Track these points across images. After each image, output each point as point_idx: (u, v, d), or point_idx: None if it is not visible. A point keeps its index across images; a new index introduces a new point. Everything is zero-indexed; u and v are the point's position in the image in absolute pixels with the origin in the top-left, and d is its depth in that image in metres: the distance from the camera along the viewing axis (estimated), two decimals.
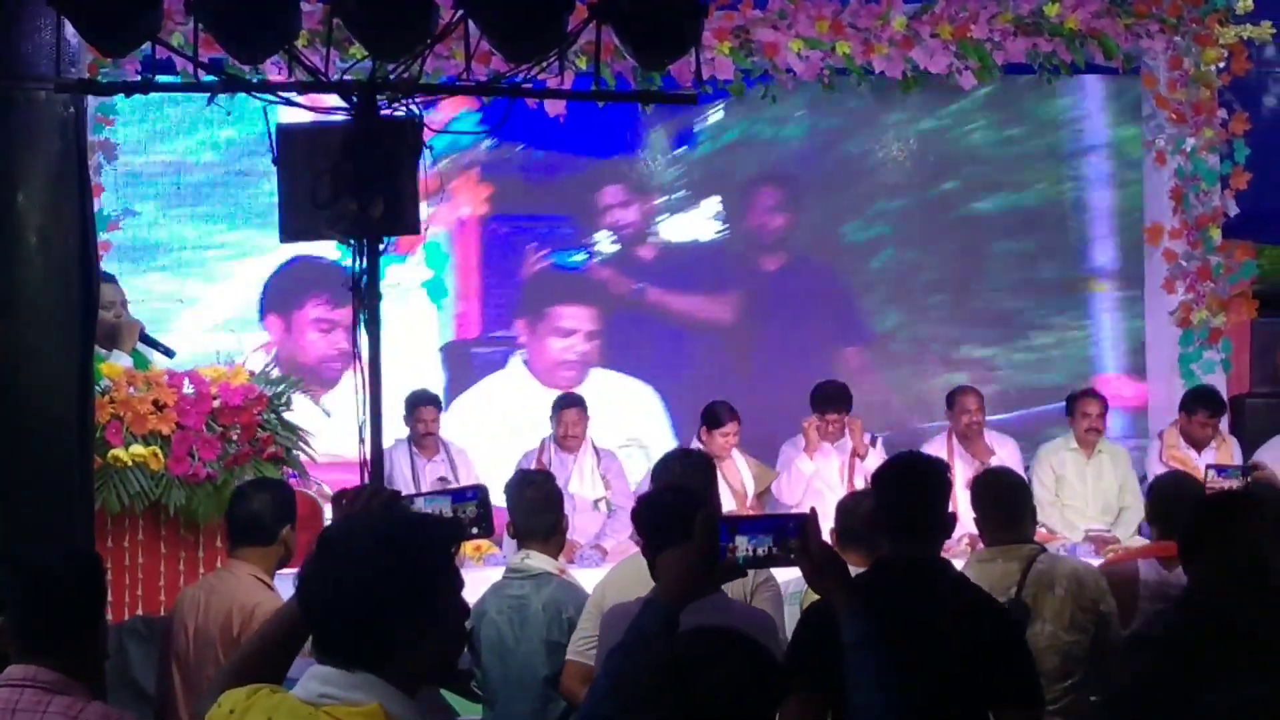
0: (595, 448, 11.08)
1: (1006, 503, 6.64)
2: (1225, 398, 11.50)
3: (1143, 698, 5.22)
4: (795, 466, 10.90)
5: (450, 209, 12.86)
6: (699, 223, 13.13)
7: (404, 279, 13.10)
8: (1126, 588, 6.86)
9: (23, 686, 4.38)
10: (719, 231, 13.14)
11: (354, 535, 3.20)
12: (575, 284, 13.26)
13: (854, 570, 6.53)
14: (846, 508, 7.22)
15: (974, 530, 10.28)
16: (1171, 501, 7.08)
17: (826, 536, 6.85)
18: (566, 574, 6.98)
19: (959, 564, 7.05)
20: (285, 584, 5.19)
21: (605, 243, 13.21)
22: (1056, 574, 6.45)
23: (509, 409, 12.86)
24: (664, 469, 6.57)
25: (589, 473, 10.86)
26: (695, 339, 13.36)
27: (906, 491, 5.10)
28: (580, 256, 13.30)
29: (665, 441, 12.48)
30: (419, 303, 13.46)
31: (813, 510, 4.41)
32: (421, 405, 10.86)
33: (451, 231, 13.18)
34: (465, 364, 13.37)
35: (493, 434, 12.49)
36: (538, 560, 6.63)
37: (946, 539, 5.29)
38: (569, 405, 11.01)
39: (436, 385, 12.74)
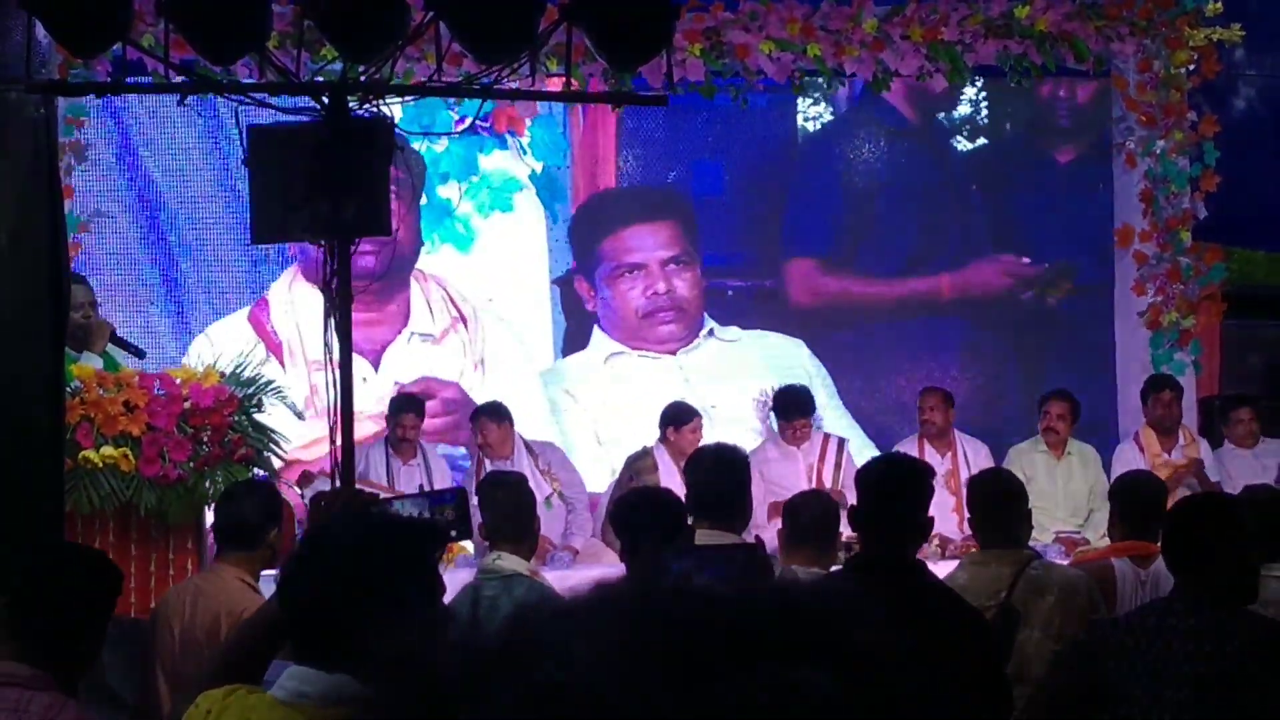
0: (527, 445, 10.96)
1: (1001, 506, 6.63)
2: (1195, 399, 11.57)
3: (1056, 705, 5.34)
4: (760, 472, 10.83)
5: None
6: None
7: (496, 171, 12.06)
8: (1104, 585, 6.88)
9: (2, 685, 4.35)
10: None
11: (335, 537, 3.21)
12: None
13: (802, 570, 6.64)
14: (794, 508, 7.25)
15: (944, 531, 10.40)
16: (1135, 501, 7.18)
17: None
18: (539, 575, 6.98)
19: (939, 565, 7.11)
20: (268, 584, 5.19)
21: None
22: (1048, 582, 6.42)
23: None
24: (695, 466, 6.59)
25: (529, 474, 10.69)
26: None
27: (886, 493, 5.12)
28: None
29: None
30: (524, 210, 12.19)
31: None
32: (403, 411, 10.71)
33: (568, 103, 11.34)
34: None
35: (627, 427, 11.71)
36: (509, 561, 6.61)
37: (923, 542, 5.33)
38: (481, 415, 10.80)
39: (543, 335, 12.06)
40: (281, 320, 11.62)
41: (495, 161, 11.88)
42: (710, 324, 12.36)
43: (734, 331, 12.38)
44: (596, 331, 12.33)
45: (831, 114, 12.68)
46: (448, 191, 11.93)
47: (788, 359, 12.36)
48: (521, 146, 11.95)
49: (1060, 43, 11.70)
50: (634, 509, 5.74)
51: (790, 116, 12.58)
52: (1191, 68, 11.92)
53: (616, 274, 12.28)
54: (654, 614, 0.91)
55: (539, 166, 12.06)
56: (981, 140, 12.93)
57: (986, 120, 12.95)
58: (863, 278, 12.67)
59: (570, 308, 12.31)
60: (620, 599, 0.93)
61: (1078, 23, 11.71)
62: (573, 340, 12.31)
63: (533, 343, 12.23)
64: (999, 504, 6.68)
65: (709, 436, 10.35)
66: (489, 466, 10.48)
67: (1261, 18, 11.92)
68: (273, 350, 11.54)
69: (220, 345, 11.03)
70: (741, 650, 0.88)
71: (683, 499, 6.34)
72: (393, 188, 11.52)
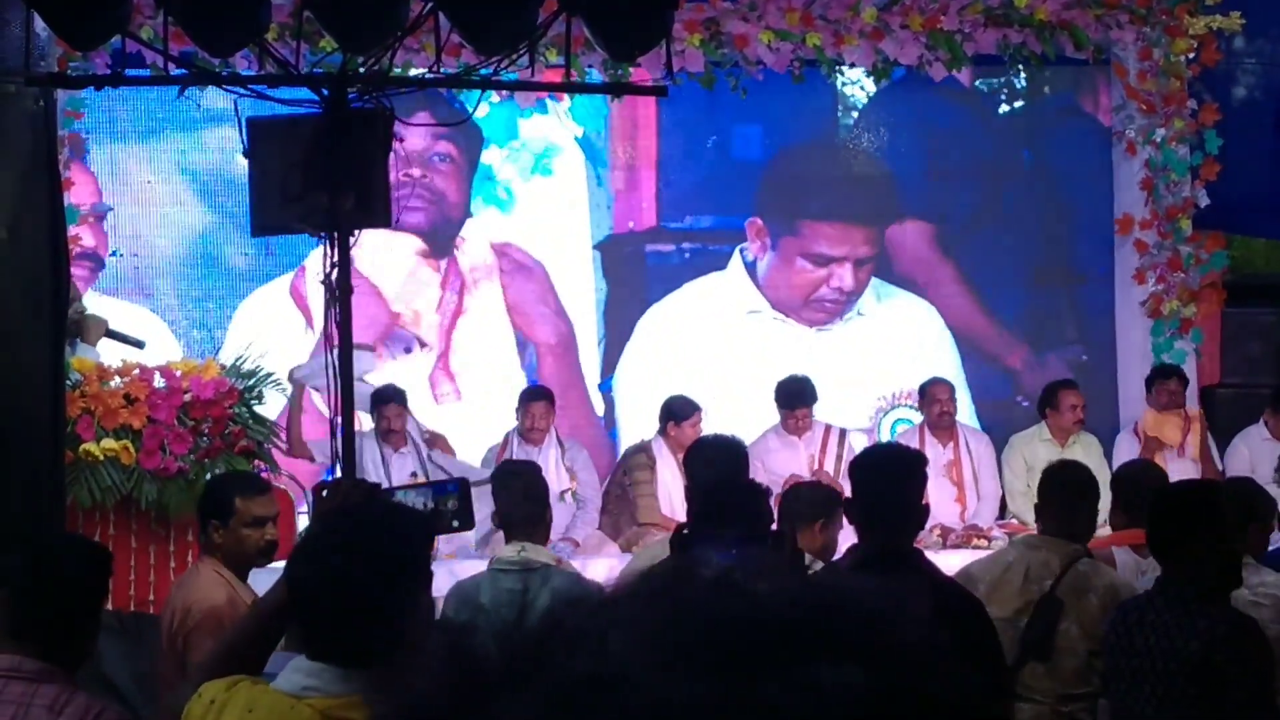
0: (559, 439, 10.97)
1: (1063, 495, 6.65)
2: (1196, 388, 11.57)
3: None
4: (761, 462, 10.81)
5: None
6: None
7: (536, 137, 12.01)
8: None
9: (7, 678, 4.36)
10: None
11: (343, 529, 3.21)
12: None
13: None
14: (786, 498, 7.26)
15: (945, 521, 10.40)
16: (1136, 489, 7.18)
17: None
18: (564, 564, 6.92)
19: (940, 555, 7.10)
20: (262, 580, 5.18)
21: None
22: (1094, 582, 6.40)
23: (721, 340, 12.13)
24: (695, 457, 6.60)
25: (553, 465, 10.72)
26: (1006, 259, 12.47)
27: (880, 482, 5.12)
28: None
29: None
30: (564, 174, 12.13)
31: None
32: (384, 404, 10.66)
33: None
34: (635, 271, 12.17)
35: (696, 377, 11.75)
36: (534, 553, 6.43)
37: (920, 530, 5.33)
38: (537, 398, 10.85)
39: (585, 300, 12.02)
40: (316, 289, 11.66)
41: (536, 127, 11.88)
42: (859, 306, 12.34)
43: (870, 304, 12.35)
44: (740, 280, 12.28)
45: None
46: (489, 156, 11.95)
47: (922, 340, 12.39)
48: (560, 112, 11.97)
49: (1060, 31, 11.69)
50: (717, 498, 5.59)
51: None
52: (1191, 56, 11.91)
53: (806, 255, 12.26)
54: (692, 607, 0.91)
55: (580, 131, 12.07)
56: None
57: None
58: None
59: (611, 272, 12.21)
60: (658, 591, 0.93)
61: (1077, 11, 11.70)
62: (614, 305, 12.20)
63: (575, 308, 12.17)
64: (1061, 492, 6.70)
65: None
66: (515, 447, 10.54)
67: (1260, 5, 11.90)
68: (309, 320, 11.58)
69: (258, 316, 11.29)
70: (778, 646, 0.88)
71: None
72: (449, 156, 11.71)
